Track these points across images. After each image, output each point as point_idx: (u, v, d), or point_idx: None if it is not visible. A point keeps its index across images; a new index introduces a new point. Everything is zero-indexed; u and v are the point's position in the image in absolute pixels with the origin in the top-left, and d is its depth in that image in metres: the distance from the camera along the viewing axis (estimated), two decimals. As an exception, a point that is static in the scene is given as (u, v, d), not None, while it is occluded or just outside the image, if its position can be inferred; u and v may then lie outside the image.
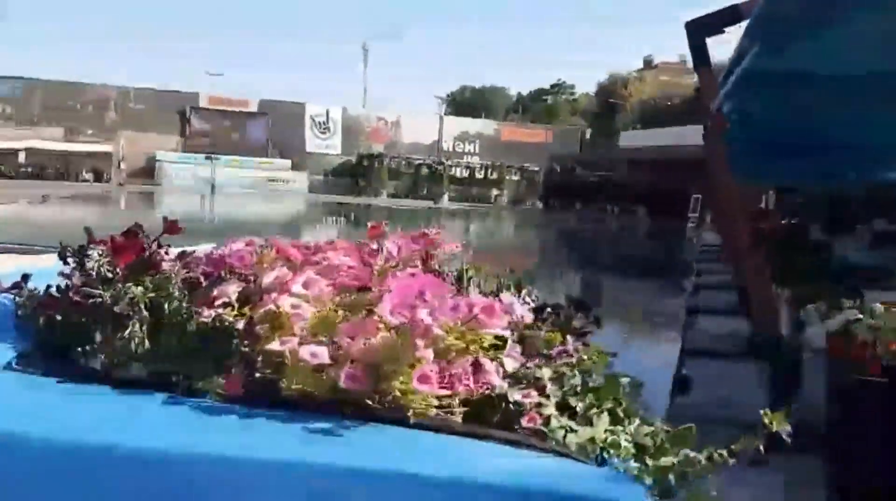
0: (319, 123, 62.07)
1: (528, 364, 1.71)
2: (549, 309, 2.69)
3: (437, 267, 1.75)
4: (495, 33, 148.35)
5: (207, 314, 1.30)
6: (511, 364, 1.42)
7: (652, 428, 1.57)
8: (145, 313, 1.35)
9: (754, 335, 4.90)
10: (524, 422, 1.46)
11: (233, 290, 1.34)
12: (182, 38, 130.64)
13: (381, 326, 1.24)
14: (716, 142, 6.48)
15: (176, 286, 1.37)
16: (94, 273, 1.41)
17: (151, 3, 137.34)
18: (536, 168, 62.60)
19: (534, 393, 1.52)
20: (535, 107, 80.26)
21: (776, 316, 5.98)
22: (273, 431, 1.16)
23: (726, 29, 5.80)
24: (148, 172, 56.03)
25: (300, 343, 1.22)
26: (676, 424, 1.41)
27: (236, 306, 1.32)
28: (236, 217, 33.39)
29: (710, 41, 5.79)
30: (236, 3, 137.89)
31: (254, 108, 61.20)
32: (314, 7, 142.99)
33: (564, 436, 1.43)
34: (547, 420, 1.46)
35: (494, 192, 62.17)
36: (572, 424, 1.50)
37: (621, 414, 1.64)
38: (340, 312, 1.31)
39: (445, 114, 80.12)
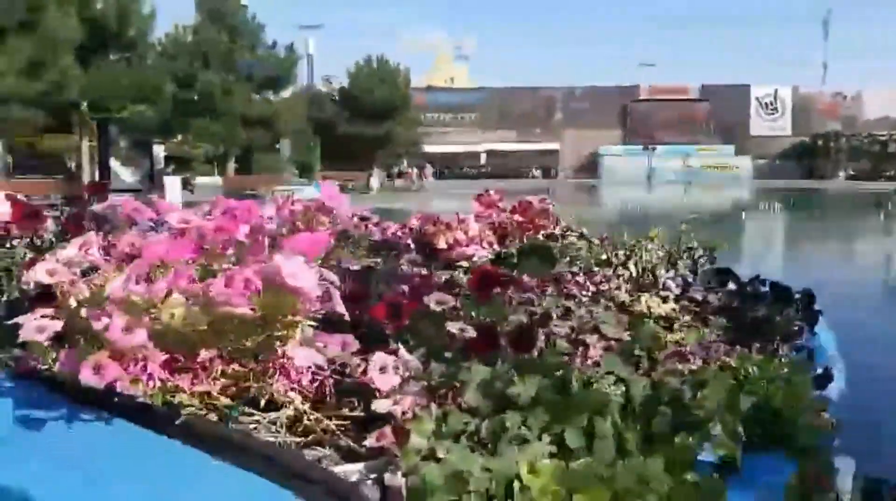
0: (766, 104, 57.97)
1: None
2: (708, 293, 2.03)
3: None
4: None
5: (27, 281, 1.17)
6: (303, 357, 1.02)
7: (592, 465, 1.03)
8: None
9: None
10: (371, 440, 1.06)
11: (66, 254, 1.19)
12: (618, 33, 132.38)
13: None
14: None
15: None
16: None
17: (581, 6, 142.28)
18: None
19: (407, 401, 1.10)
20: None
21: None
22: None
23: None
24: (591, 166, 58.35)
25: (54, 318, 1.03)
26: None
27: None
28: (670, 207, 32.90)
29: None
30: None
31: (695, 94, 59.68)
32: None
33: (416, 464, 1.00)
34: (405, 438, 1.04)
35: None
36: (461, 449, 1.04)
37: (576, 440, 1.11)
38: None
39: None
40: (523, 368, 1.40)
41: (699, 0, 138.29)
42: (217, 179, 27.77)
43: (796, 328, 2.06)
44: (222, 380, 1.02)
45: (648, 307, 1.81)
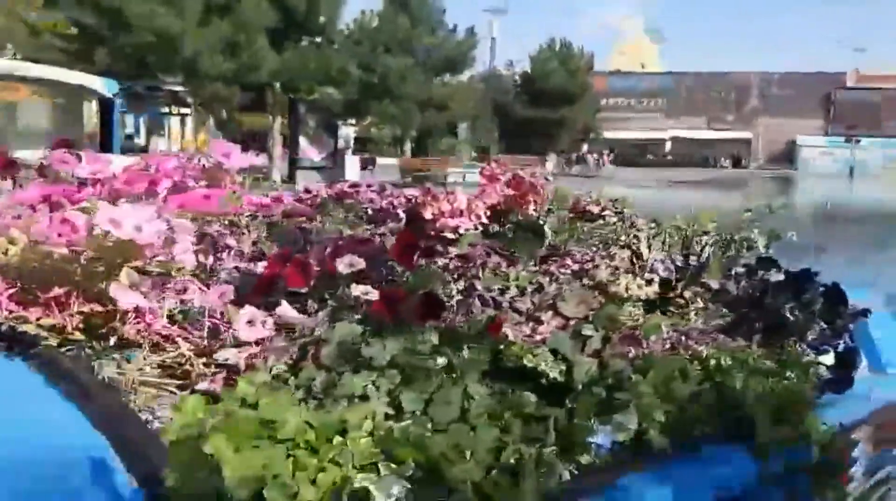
0: None
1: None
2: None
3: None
4: None
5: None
6: (125, 300, 1.07)
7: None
8: None
9: None
10: (203, 385, 1.11)
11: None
12: (825, 18, 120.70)
13: None
14: None
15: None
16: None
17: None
18: None
19: (246, 353, 1.14)
20: None
21: None
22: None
23: None
24: (787, 157, 54.60)
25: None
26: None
27: None
28: (871, 204, 30.29)
29: None
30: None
31: (911, 82, 54.10)
32: None
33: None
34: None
35: None
36: (284, 401, 1.07)
37: (412, 404, 1.11)
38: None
39: None
40: (442, 337, 1.41)
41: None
42: (394, 160, 28.87)
43: (825, 326, 1.88)
44: (78, 317, 1.10)
45: (627, 289, 1.72)
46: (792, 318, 1.84)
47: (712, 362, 1.58)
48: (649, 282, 1.76)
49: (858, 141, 49.31)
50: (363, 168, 27.12)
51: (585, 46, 43.85)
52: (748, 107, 57.98)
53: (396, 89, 25.99)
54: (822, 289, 2.02)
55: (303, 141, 28.54)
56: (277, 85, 24.54)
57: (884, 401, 2.08)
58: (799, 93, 55.69)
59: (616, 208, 2.47)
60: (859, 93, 54.95)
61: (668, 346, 1.60)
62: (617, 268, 1.84)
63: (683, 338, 1.63)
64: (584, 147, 47.50)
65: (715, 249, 2.03)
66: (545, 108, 41.37)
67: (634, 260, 1.94)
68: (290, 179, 25.86)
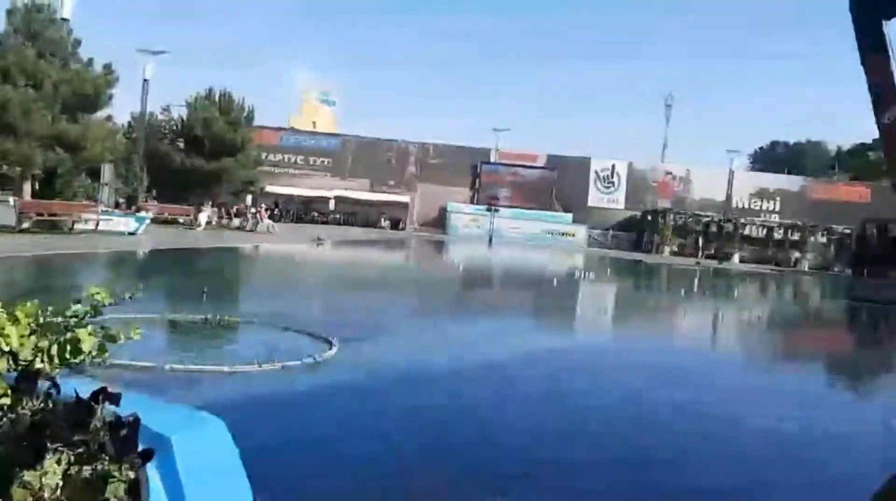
0: (604, 177, 60.98)
1: None
2: None
3: None
4: (809, 88, 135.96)
5: None
6: None
7: None
8: None
9: None
10: None
11: None
12: (474, 95, 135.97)
13: None
14: None
15: None
16: None
17: (444, 67, 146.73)
18: (848, 231, 55.09)
19: None
20: (855, 163, 70.95)
21: None
22: None
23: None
24: (439, 221, 59.23)
25: None
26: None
27: None
28: (497, 264, 33.80)
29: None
30: (522, 65, 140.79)
31: (542, 162, 62.03)
32: (606, 68, 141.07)
33: None
34: None
35: (795, 255, 55.66)
36: None
37: None
38: None
39: (753, 170, 75.14)
40: None
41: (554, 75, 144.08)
42: (9, 200, 25.91)
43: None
44: None
45: None
46: None
47: None
48: None
49: (497, 210, 55.18)
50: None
51: (258, 100, 43.80)
52: (408, 173, 62.02)
53: (18, 124, 23.46)
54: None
55: None
56: None
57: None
58: (451, 164, 61.03)
59: None
60: (500, 167, 61.76)
61: None
62: None
63: None
64: (248, 199, 47.14)
65: None
66: (203, 157, 40.38)
67: None
68: None
